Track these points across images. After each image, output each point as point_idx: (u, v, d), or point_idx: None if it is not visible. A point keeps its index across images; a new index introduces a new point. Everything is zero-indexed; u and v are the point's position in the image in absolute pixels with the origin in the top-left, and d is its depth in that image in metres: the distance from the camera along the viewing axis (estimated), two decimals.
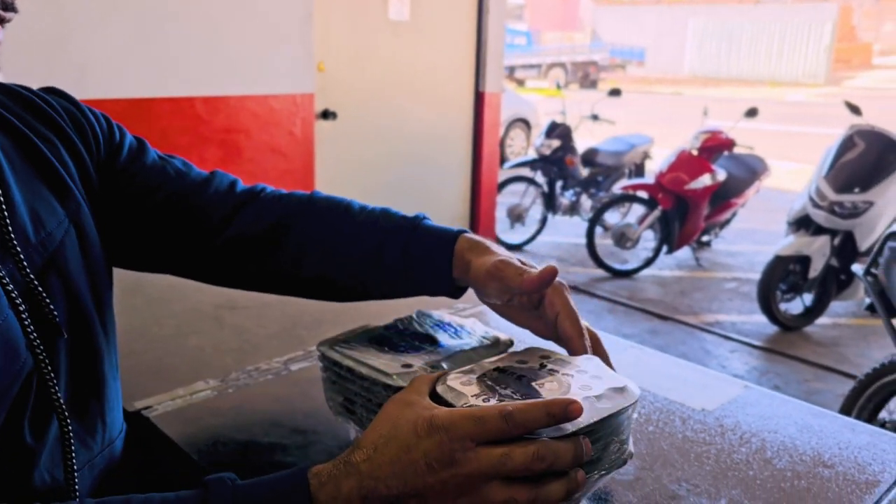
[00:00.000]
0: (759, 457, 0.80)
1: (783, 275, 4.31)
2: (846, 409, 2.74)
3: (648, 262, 5.37)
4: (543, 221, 6.06)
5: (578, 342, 0.75)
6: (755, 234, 6.50)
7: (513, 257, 0.79)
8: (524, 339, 0.82)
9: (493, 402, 0.65)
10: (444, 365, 0.76)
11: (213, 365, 1.00)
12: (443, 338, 0.83)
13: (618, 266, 5.42)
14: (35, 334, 0.63)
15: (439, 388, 0.68)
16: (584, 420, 0.63)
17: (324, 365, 0.82)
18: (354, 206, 0.87)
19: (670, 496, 0.73)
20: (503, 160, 7.53)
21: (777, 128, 12.63)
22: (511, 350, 0.78)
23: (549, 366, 0.72)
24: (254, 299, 1.23)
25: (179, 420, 0.86)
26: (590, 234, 5.31)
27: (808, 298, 4.42)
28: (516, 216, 6.00)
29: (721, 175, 5.18)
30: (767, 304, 4.31)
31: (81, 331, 0.70)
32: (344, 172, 4.47)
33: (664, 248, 5.32)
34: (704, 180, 5.13)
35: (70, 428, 0.66)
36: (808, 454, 0.81)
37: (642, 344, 4.04)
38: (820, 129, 11.83)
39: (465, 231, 0.83)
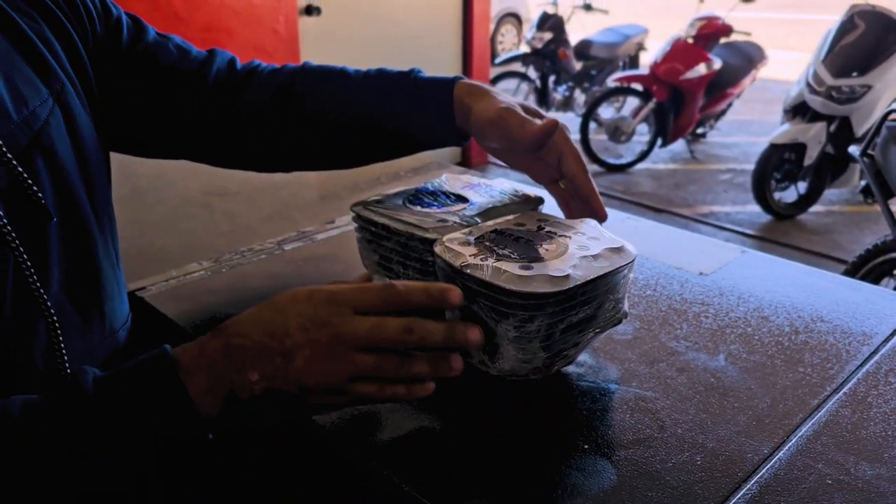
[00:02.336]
0: (757, 315, 0.80)
1: (778, 163, 4.28)
2: None
3: (643, 156, 5.32)
4: None
5: (584, 178, 0.76)
6: (751, 126, 6.43)
7: (514, 104, 0.77)
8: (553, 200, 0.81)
9: (490, 261, 0.64)
10: (478, 219, 0.76)
11: (205, 247, 0.98)
12: (473, 196, 0.83)
13: (612, 160, 5.37)
14: (5, 220, 0.59)
15: (437, 249, 0.68)
16: (580, 277, 0.62)
17: (358, 225, 0.83)
18: (348, 69, 0.86)
19: (669, 352, 0.73)
20: (494, 57, 7.35)
21: (776, 15, 12.30)
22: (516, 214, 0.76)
23: (547, 228, 0.72)
24: (244, 184, 1.21)
25: (174, 299, 0.85)
26: (583, 129, 5.24)
27: (802, 187, 4.39)
28: None
29: (717, 64, 5.07)
30: (762, 192, 4.29)
31: (71, 216, 0.67)
32: None
33: (659, 141, 5.26)
34: (700, 70, 5.02)
35: (55, 318, 0.64)
36: (805, 311, 0.81)
37: None
38: (820, 16, 11.53)
39: (461, 77, 0.81)
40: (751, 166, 4.45)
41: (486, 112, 0.77)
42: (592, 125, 5.40)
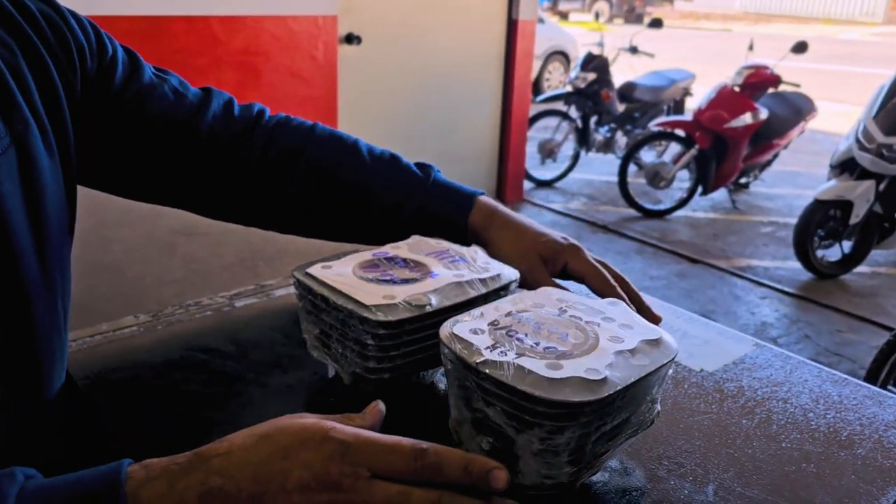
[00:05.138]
0: (763, 432, 0.67)
1: (822, 220, 4.09)
2: (875, 368, 2.57)
3: (682, 203, 5.16)
4: (576, 158, 5.84)
5: (614, 293, 0.74)
6: (797, 178, 6.22)
7: (537, 251, 0.77)
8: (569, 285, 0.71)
9: (511, 356, 0.54)
10: (432, 298, 0.65)
11: (149, 297, 0.88)
12: (436, 266, 0.72)
13: (650, 206, 5.22)
14: None
15: (444, 335, 0.57)
16: (619, 380, 0.52)
17: (299, 293, 0.71)
18: (361, 147, 0.82)
19: (647, 478, 0.60)
20: (538, 94, 7.27)
21: (827, 67, 12.04)
22: (520, 291, 0.67)
23: (570, 312, 0.61)
24: (215, 226, 1.11)
25: (92, 360, 0.75)
26: (622, 172, 5.10)
27: (846, 245, 4.19)
28: (548, 152, 5.79)
29: (763, 114, 4.91)
30: (803, 249, 4.10)
31: (6, 271, 0.58)
32: (368, 101, 4.31)
33: (699, 189, 5.10)
34: (745, 119, 4.86)
35: None
36: (822, 430, 0.68)
37: (668, 287, 3.86)
38: (874, 70, 11.24)
39: (481, 193, 0.81)
40: (794, 220, 4.28)
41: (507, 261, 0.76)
42: (632, 168, 5.26)
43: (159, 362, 0.76)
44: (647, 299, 0.75)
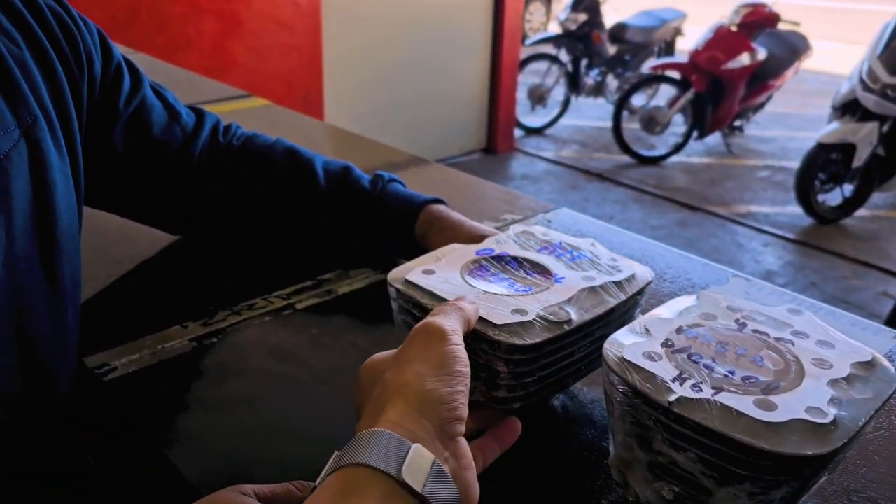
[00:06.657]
0: None
1: (824, 163, 4.01)
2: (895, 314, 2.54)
3: (677, 148, 5.06)
4: (566, 103, 5.68)
5: None
6: (788, 119, 6.13)
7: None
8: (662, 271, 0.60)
9: (706, 391, 0.44)
10: (571, 311, 0.54)
11: (195, 301, 0.76)
12: (557, 267, 0.60)
13: (644, 152, 5.11)
14: None
15: (612, 363, 0.47)
16: (850, 422, 0.43)
17: (399, 305, 0.59)
18: (317, 167, 0.82)
19: None
20: (522, 37, 7.06)
21: (826, 3, 11.84)
22: (677, 298, 0.56)
23: (751, 325, 0.52)
24: None
25: (144, 384, 0.64)
26: (616, 118, 4.98)
27: (847, 189, 4.13)
28: (538, 97, 5.64)
29: (761, 54, 4.79)
30: (805, 194, 4.04)
31: (10, 273, 0.53)
32: (353, 50, 4.12)
33: (694, 134, 5.00)
34: (743, 60, 4.74)
35: None
36: None
37: (671, 237, 3.75)
38: (876, 6, 11.06)
39: (438, 200, 0.80)
40: (789, 163, 4.21)
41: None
42: (625, 113, 5.14)
43: (225, 387, 0.65)
44: (758, 283, 0.65)
